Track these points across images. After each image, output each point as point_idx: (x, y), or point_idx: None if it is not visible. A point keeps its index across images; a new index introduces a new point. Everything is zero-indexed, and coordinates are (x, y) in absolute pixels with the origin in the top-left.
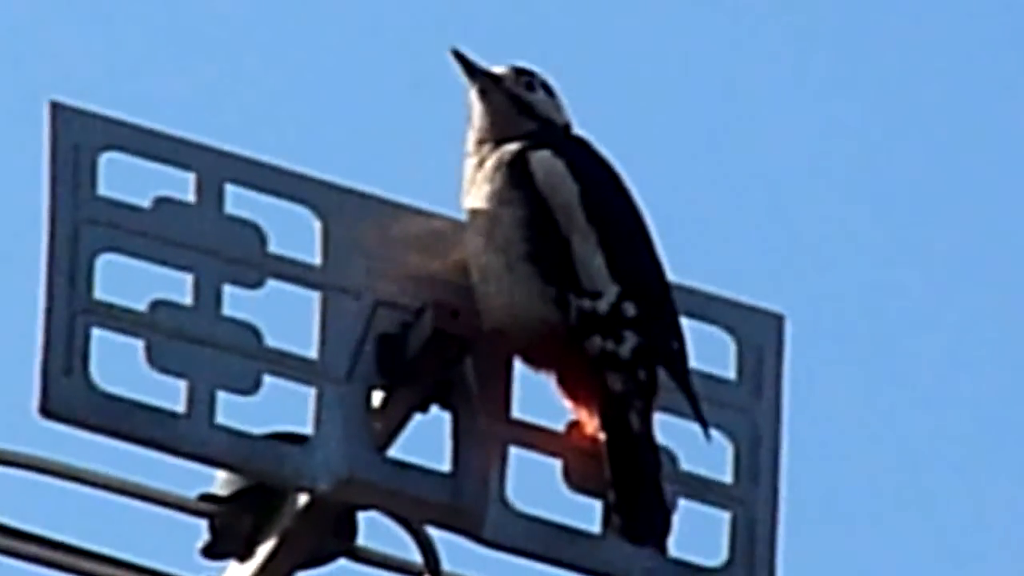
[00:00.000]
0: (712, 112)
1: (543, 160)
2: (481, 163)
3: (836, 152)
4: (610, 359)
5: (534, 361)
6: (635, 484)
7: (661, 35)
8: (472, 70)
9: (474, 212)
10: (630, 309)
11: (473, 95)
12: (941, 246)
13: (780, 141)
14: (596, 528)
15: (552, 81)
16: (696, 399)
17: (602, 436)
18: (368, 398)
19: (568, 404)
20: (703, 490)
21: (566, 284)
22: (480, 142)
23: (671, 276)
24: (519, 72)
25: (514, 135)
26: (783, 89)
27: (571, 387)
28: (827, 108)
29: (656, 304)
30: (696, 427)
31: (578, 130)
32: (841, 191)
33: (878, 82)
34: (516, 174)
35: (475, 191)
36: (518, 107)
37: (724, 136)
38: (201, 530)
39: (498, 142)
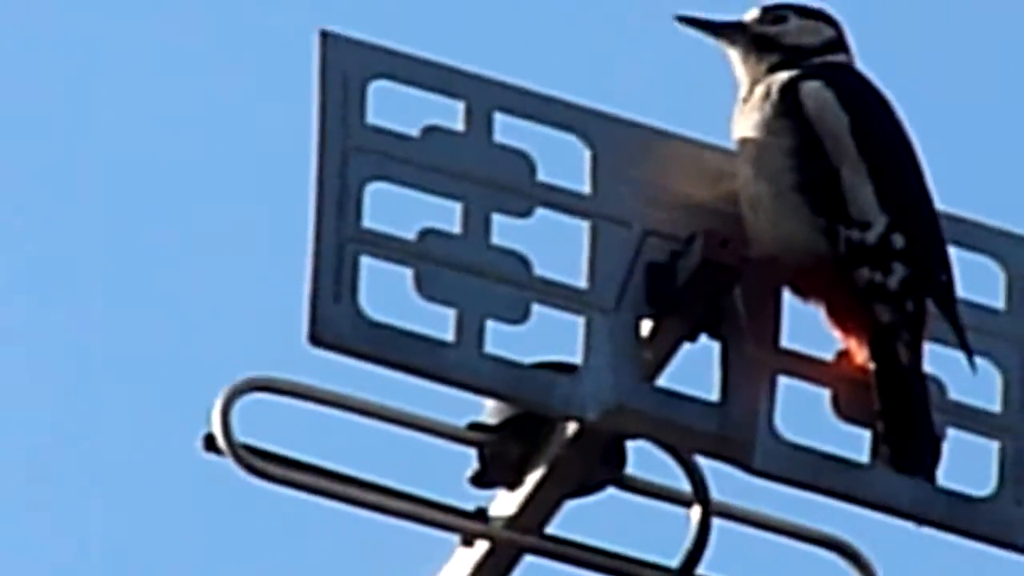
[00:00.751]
0: (984, 41)
1: (813, 90)
2: (751, 91)
3: None
4: (878, 290)
5: (802, 291)
6: (904, 415)
7: None
8: (709, 28)
9: (743, 141)
10: (899, 240)
11: (722, 48)
12: None
13: None
14: (864, 458)
15: (832, 19)
16: (963, 330)
17: (871, 367)
18: (637, 327)
19: (837, 334)
20: (972, 420)
21: (835, 214)
22: (751, 82)
23: (940, 205)
24: (765, 10)
25: (779, 66)
26: None
27: (839, 317)
28: None
29: (925, 235)
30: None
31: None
32: None
33: None
34: (786, 104)
35: (744, 120)
36: (764, 46)
37: (997, 63)
38: (470, 459)
39: (768, 72)
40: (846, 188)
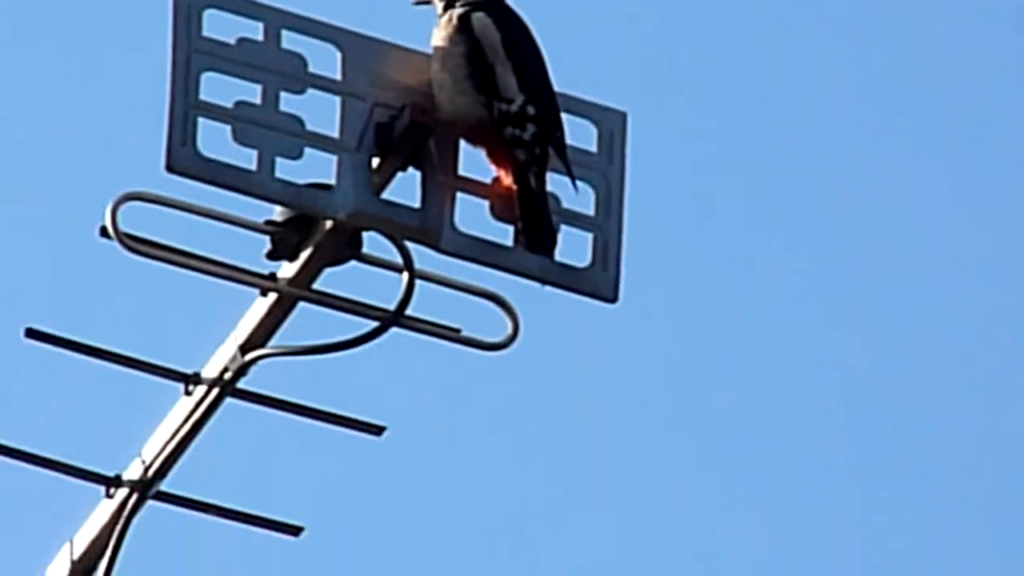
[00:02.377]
0: None
1: (479, 17)
2: (441, 17)
3: None
4: (518, 141)
5: (471, 141)
6: (534, 218)
7: None
8: (424, 1)
9: (436, 48)
10: (531, 110)
11: None
12: None
13: None
14: (510, 243)
15: None
16: (569, 165)
17: (514, 188)
18: (370, 162)
19: (493, 168)
20: (576, 220)
21: (491, 93)
22: (441, 10)
23: (557, 87)
24: None
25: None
26: None
27: (495, 158)
28: None
29: (547, 107)
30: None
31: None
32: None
33: None
34: (462, 25)
35: (436, 35)
36: None
37: None
38: (266, 242)
39: (449, 8)
40: (498, 77)
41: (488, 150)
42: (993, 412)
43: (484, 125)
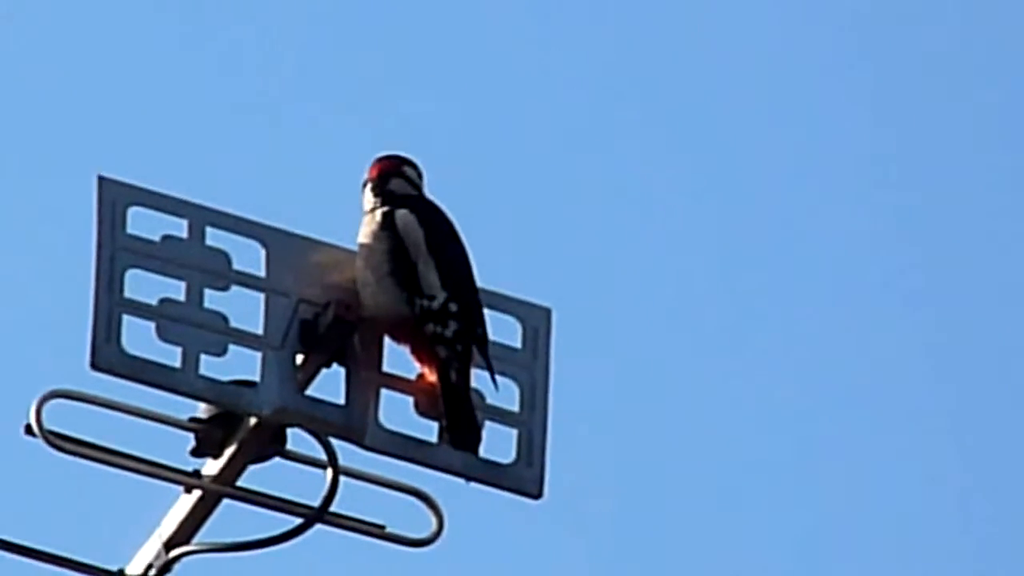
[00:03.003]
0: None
1: (402, 215)
2: (368, 214)
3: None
4: (439, 338)
5: (395, 337)
6: (457, 414)
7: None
8: (365, 184)
9: (361, 245)
10: (453, 307)
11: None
12: None
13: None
14: (434, 439)
15: (415, 165)
16: (490, 362)
17: (437, 385)
18: (294, 359)
19: (416, 364)
20: (501, 416)
21: (413, 290)
22: (368, 208)
23: (481, 283)
24: (382, 174)
25: (385, 202)
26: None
27: (418, 354)
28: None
29: (469, 304)
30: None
31: (430, 195)
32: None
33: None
34: (386, 222)
35: (362, 231)
36: (382, 193)
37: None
38: (190, 439)
39: (374, 206)
40: (420, 275)
41: (411, 346)
42: None
43: (407, 322)
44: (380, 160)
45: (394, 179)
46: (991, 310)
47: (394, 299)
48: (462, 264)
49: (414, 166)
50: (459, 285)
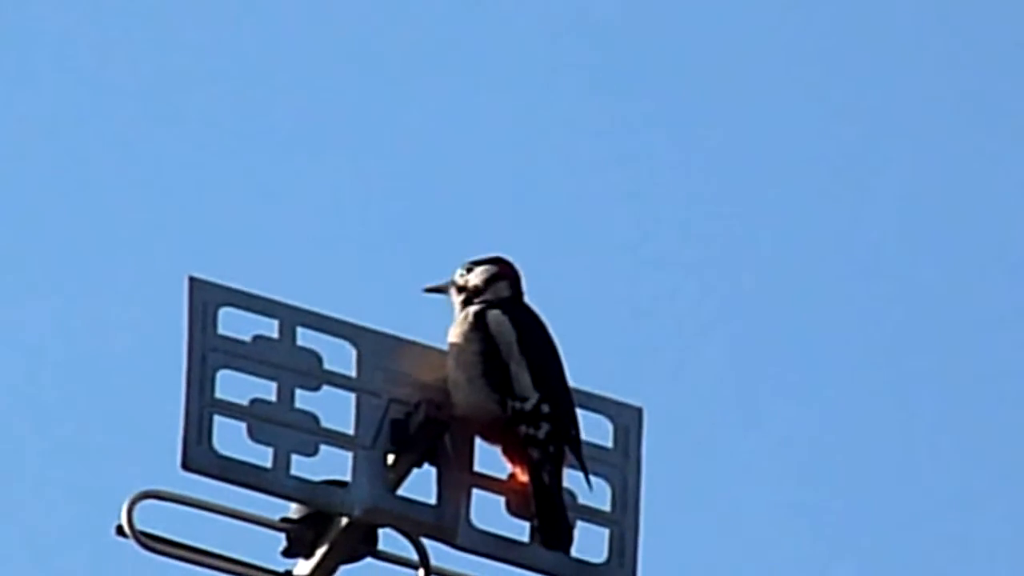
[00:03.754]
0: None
1: (495, 315)
2: (458, 314)
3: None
4: (532, 440)
5: (486, 438)
6: (550, 515)
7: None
8: (436, 290)
9: (451, 345)
10: (545, 408)
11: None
12: None
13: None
14: (526, 539)
15: (506, 264)
16: (584, 462)
17: (529, 486)
18: (385, 459)
19: (508, 464)
20: (592, 516)
21: (505, 391)
22: (458, 309)
23: (573, 383)
24: (465, 267)
25: (472, 299)
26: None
27: (510, 454)
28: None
29: (562, 404)
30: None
31: (528, 299)
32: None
33: None
34: (477, 323)
35: (452, 332)
36: (467, 293)
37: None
38: (281, 539)
39: (466, 303)
40: (513, 376)
41: (503, 447)
42: None
43: (498, 423)
44: (481, 262)
45: (493, 287)
46: None
47: (485, 400)
48: (554, 364)
49: (505, 266)
50: (551, 385)
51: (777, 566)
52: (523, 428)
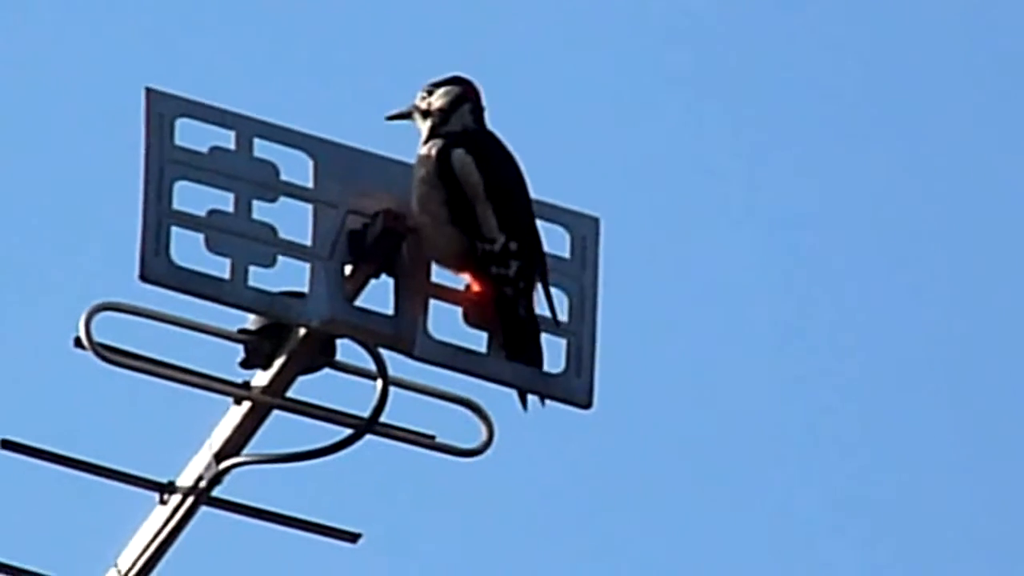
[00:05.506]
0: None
1: (459, 156)
2: (424, 142)
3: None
4: (503, 278)
5: (454, 271)
6: (521, 348)
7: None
8: (399, 116)
9: (417, 184)
10: (513, 246)
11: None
12: None
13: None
14: (483, 349)
15: (475, 89)
16: (547, 284)
17: (484, 293)
18: (342, 270)
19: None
20: (553, 326)
21: (474, 234)
22: (424, 134)
23: (534, 193)
24: (429, 92)
25: (436, 129)
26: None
27: (477, 280)
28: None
29: (528, 241)
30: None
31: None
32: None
33: None
34: (442, 166)
35: (418, 165)
36: (432, 119)
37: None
38: (240, 350)
39: (430, 134)
40: (480, 219)
41: (472, 276)
42: None
43: (470, 263)
44: (441, 83)
45: (456, 111)
46: None
47: (455, 244)
48: (522, 203)
49: (463, 84)
50: (519, 226)
51: (733, 374)
52: (493, 268)
